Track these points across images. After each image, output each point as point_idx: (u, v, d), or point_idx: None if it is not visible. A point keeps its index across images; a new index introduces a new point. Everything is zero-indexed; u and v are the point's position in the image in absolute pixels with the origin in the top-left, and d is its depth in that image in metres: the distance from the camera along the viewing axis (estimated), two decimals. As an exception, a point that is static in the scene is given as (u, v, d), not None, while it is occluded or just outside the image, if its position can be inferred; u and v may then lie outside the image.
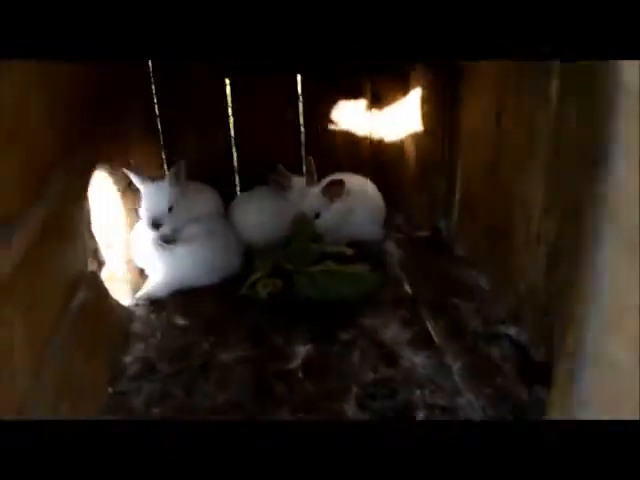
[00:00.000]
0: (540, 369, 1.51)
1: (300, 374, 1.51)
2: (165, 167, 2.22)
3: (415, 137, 2.17)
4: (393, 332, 1.67)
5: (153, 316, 1.77)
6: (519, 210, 1.62)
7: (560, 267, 1.42)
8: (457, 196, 2.09)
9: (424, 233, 2.21)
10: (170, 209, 1.86)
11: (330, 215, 1.99)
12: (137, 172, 1.85)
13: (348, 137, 2.26)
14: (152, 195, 1.84)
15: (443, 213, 2.21)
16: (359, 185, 2.12)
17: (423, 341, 1.63)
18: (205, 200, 2.08)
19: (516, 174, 1.62)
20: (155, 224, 1.81)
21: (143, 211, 1.85)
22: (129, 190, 1.99)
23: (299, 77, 2.17)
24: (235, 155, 2.25)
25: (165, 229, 1.84)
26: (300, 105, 2.21)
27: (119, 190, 1.88)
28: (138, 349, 1.61)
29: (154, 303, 1.82)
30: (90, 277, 1.44)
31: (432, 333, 1.67)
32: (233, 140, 2.23)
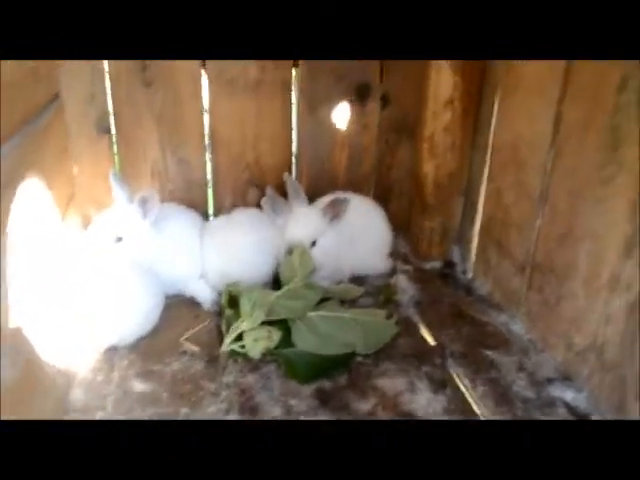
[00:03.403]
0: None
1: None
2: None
3: (427, 148, 1.80)
4: (422, 399, 1.30)
5: (99, 378, 1.33)
6: (584, 246, 1.29)
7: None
8: (479, 223, 1.75)
9: (434, 264, 1.86)
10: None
11: (329, 242, 1.60)
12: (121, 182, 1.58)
13: (347, 149, 1.89)
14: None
15: (457, 241, 1.87)
16: (361, 207, 1.75)
17: (461, 410, 1.26)
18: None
19: (580, 201, 1.29)
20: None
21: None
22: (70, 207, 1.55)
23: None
24: (209, 169, 1.82)
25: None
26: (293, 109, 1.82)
27: (60, 207, 1.45)
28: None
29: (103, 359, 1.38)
30: (13, 339, 1.00)
31: (470, 399, 1.30)
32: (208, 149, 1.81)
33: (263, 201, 1.69)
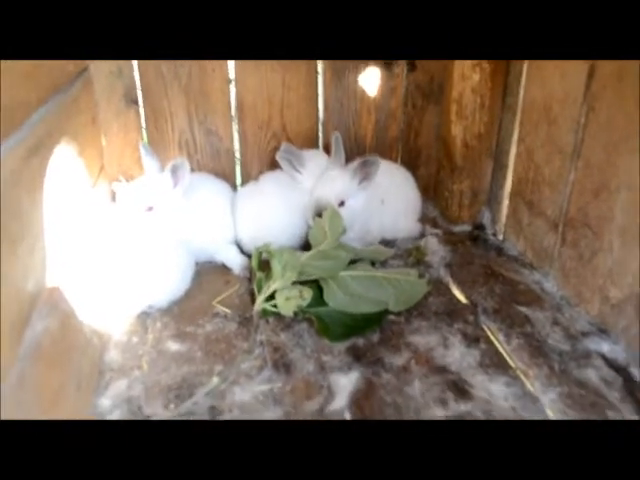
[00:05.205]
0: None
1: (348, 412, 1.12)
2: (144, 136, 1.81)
3: (455, 110, 1.78)
4: (456, 353, 1.29)
5: (135, 340, 1.35)
6: (620, 198, 1.26)
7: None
8: (509, 184, 1.73)
9: (464, 227, 1.84)
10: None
11: (358, 204, 1.59)
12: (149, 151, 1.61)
13: (374, 115, 1.88)
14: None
15: (487, 204, 1.85)
16: (390, 172, 1.74)
17: (495, 364, 1.26)
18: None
19: (615, 154, 1.27)
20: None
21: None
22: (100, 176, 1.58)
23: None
24: (237, 137, 1.83)
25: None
26: (319, 77, 1.81)
27: (91, 176, 1.47)
28: (118, 387, 1.20)
29: (136, 322, 1.41)
30: (50, 296, 1.02)
31: (504, 353, 1.29)
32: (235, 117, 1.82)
33: (277, 155, 1.67)
